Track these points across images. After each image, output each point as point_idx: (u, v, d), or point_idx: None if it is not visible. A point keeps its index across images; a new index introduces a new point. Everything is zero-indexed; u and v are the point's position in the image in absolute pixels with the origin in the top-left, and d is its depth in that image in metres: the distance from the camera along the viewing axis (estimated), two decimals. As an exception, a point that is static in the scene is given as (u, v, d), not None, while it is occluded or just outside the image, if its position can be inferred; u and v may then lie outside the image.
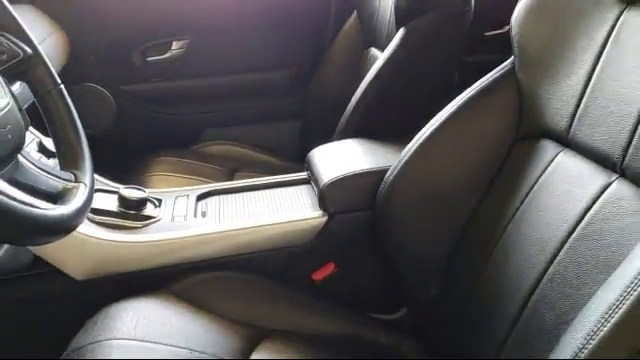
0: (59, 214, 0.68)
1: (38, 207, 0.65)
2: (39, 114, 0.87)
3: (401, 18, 1.35)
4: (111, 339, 0.89)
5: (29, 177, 0.75)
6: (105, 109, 1.88)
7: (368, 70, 1.40)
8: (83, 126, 0.89)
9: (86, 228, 1.06)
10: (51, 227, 0.67)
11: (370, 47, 1.68)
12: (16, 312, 1.07)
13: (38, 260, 1.04)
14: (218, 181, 1.49)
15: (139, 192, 1.14)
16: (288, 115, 2.01)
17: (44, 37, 1.57)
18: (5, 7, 0.84)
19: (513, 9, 1.00)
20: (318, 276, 1.17)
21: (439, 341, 1.05)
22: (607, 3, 0.85)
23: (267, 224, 1.13)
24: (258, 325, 1.03)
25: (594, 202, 0.78)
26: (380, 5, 1.60)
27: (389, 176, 1.07)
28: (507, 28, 1.01)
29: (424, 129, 1.03)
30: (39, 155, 1.08)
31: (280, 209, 1.18)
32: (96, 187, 1.13)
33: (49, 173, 0.78)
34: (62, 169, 0.83)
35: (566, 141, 0.88)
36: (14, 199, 0.62)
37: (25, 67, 0.83)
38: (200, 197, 1.23)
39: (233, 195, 1.24)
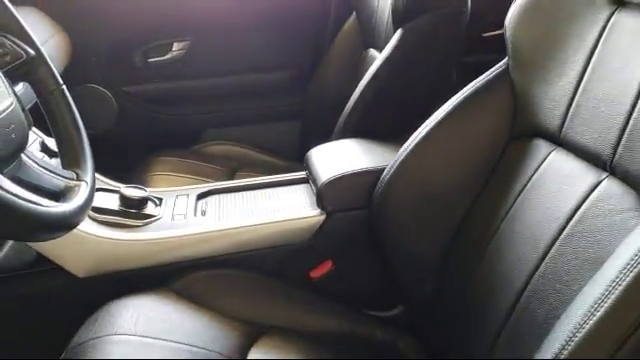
0: (61, 211, 0.70)
1: (41, 204, 0.67)
2: (42, 115, 0.89)
3: (398, 19, 1.36)
4: (112, 335, 0.91)
5: (32, 176, 0.76)
6: (107, 109, 1.90)
7: (367, 71, 1.42)
8: (85, 126, 0.91)
9: (88, 226, 1.07)
10: (53, 224, 0.69)
11: (369, 48, 1.69)
12: (19, 309, 1.09)
13: (40, 258, 1.06)
14: (218, 181, 1.51)
15: (140, 191, 1.16)
16: (288, 115, 2.03)
17: (46, 38, 1.58)
18: (8, 9, 0.86)
19: (510, 10, 1.01)
20: (316, 274, 1.19)
21: (435, 338, 1.06)
22: (598, 4, 0.87)
23: (266, 222, 1.15)
24: (257, 322, 1.05)
25: (584, 200, 0.80)
26: (378, 6, 1.62)
27: (385, 175, 1.08)
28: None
29: (419, 129, 1.05)
30: (42, 154, 1.10)
31: (279, 208, 1.19)
32: (98, 186, 1.15)
33: (52, 172, 0.79)
34: (64, 168, 0.84)
35: (558, 140, 0.89)
36: (18, 196, 0.63)
37: (28, 68, 0.85)
38: (200, 196, 1.25)
39: (232, 194, 1.26)
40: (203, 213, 1.18)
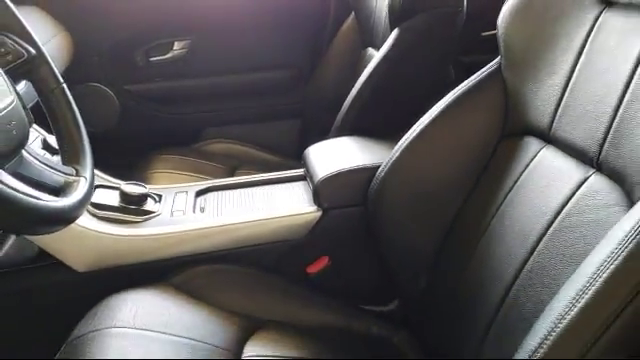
0: (60, 206, 0.72)
1: (41, 199, 0.69)
2: (44, 113, 0.91)
3: (395, 19, 1.38)
4: (111, 327, 0.93)
5: (33, 171, 0.79)
6: (108, 108, 1.92)
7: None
8: (87, 125, 0.93)
9: (88, 222, 1.09)
10: (53, 218, 0.71)
11: (367, 47, 1.71)
12: (20, 303, 1.11)
13: (42, 253, 1.08)
14: (219, 178, 1.53)
15: (139, 188, 1.18)
16: (288, 114, 2.05)
17: (49, 38, 1.61)
18: (9, 9, 0.88)
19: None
20: (313, 269, 1.20)
21: (429, 332, 1.08)
22: (587, 4, 0.89)
23: (263, 219, 1.17)
24: (254, 316, 1.07)
25: (572, 196, 0.81)
26: (377, 6, 1.64)
27: (380, 173, 1.10)
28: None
29: (413, 127, 1.07)
30: (43, 152, 1.12)
31: (276, 204, 1.21)
32: (98, 183, 1.17)
33: (52, 168, 0.82)
34: (64, 164, 0.87)
35: (548, 138, 0.91)
36: (18, 191, 0.66)
37: (29, 67, 0.87)
38: (199, 193, 1.27)
39: (231, 191, 1.28)
40: (202, 210, 1.20)
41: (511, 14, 1.00)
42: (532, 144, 0.94)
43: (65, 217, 0.74)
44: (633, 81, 0.77)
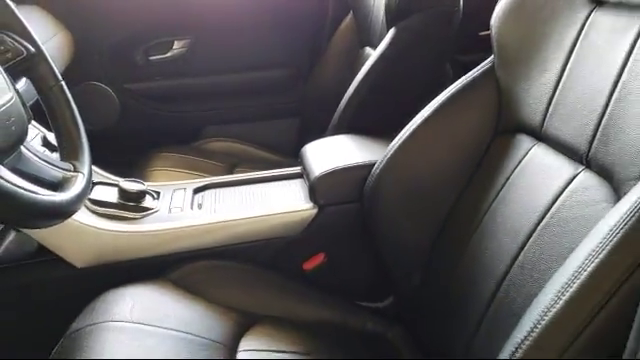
0: (58, 200, 0.74)
1: (39, 193, 0.70)
2: (44, 111, 0.93)
3: (392, 18, 1.39)
4: (108, 321, 0.94)
5: (32, 167, 0.80)
6: (109, 106, 1.93)
7: (363, 68, 1.45)
8: (87, 123, 0.95)
9: (87, 218, 1.11)
10: (50, 211, 0.72)
11: (365, 47, 1.72)
12: (20, 297, 1.12)
13: (41, 249, 1.09)
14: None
15: (138, 185, 1.19)
16: (286, 113, 2.06)
17: (49, 37, 1.62)
18: (10, 8, 0.90)
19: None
20: (309, 266, 1.22)
21: (422, 329, 1.09)
22: (578, 4, 0.90)
23: (260, 215, 1.18)
24: (251, 311, 1.08)
25: (562, 192, 0.83)
26: (374, 5, 1.65)
27: (375, 170, 1.11)
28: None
29: (408, 126, 1.08)
30: (43, 149, 1.14)
31: (273, 201, 1.22)
32: (97, 180, 1.19)
33: (50, 164, 0.83)
34: (62, 160, 0.88)
35: (540, 135, 0.92)
36: (17, 185, 0.67)
37: (28, 64, 0.89)
38: (197, 190, 1.28)
39: (228, 188, 1.29)
40: (199, 206, 1.21)
41: (504, 14, 1.01)
42: (524, 142, 0.95)
43: (62, 211, 0.76)
44: (621, 79, 0.78)
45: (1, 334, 1.12)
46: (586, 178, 0.81)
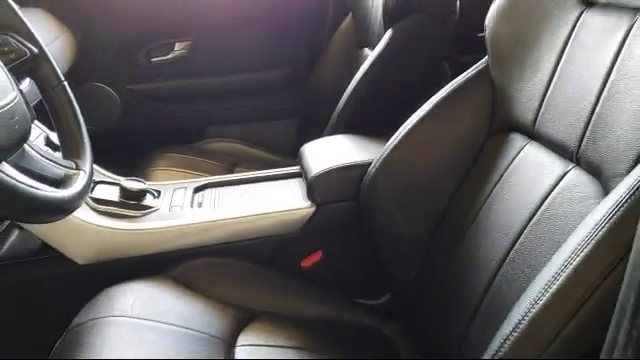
0: (60, 196, 0.76)
1: (41, 189, 0.73)
2: (47, 113, 0.95)
3: (389, 19, 1.41)
4: (109, 316, 0.96)
5: (35, 164, 0.82)
6: (111, 107, 1.96)
7: (361, 69, 1.47)
8: (90, 123, 0.97)
9: (89, 216, 1.13)
10: (52, 207, 0.74)
11: (363, 48, 1.74)
12: (23, 293, 1.14)
13: (44, 246, 1.12)
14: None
15: (139, 183, 1.21)
16: (286, 114, 2.08)
17: (52, 39, 1.64)
18: (13, 10, 0.92)
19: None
20: (306, 263, 1.24)
21: (418, 323, 1.11)
22: (569, 4, 0.92)
23: (259, 214, 1.20)
24: (249, 307, 1.10)
25: (552, 189, 0.84)
26: (373, 7, 1.67)
27: (372, 169, 1.13)
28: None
29: (404, 125, 1.10)
30: (46, 148, 1.16)
31: (272, 200, 1.24)
32: (99, 179, 1.21)
33: (52, 161, 0.85)
34: (65, 158, 0.90)
35: (532, 134, 0.94)
36: (20, 182, 0.69)
37: (32, 65, 0.91)
38: (197, 189, 1.30)
39: (228, 187, 1.31)
40: (199, 205, 1.23)
41: (498, 14, 1.03)
42: (517, 140, 0.97)
43: (64, 207, 0.78)
44: (610, 78, 0.80)
45: (5, 328, 1.14)
46: (576, 175, 0.82)
